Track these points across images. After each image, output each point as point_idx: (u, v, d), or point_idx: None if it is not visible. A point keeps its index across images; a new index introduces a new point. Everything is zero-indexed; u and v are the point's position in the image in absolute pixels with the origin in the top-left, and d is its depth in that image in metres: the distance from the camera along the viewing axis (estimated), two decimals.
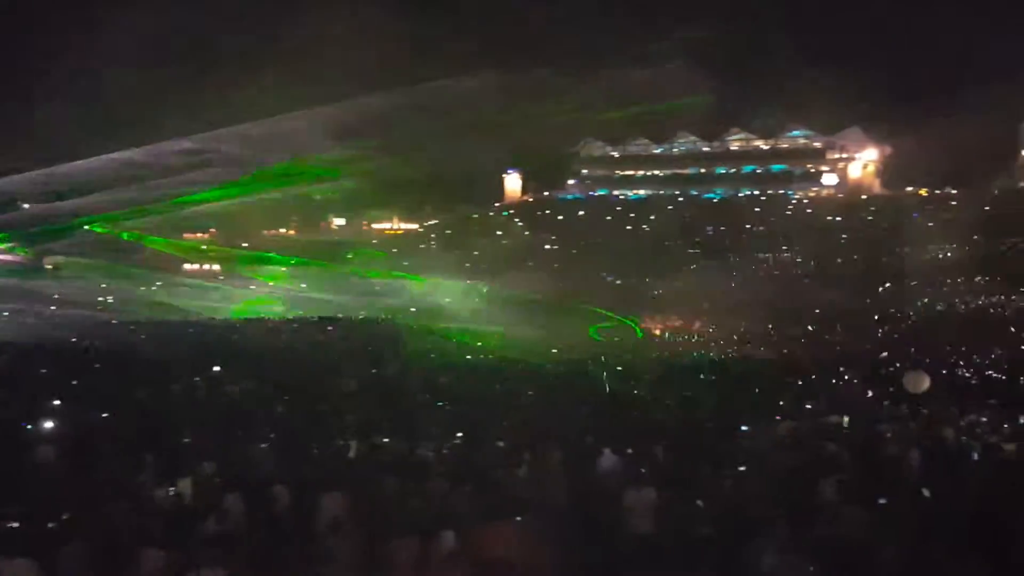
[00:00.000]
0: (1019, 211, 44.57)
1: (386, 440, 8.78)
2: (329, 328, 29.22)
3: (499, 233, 67.40)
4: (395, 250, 63.42)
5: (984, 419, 12.32)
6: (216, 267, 57.36)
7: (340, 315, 34.63)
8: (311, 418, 10.33)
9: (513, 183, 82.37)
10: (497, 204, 79.67)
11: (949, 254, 43.90)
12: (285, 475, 6.89)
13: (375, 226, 75.48)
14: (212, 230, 66.16)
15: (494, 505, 6.50)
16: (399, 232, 75.21)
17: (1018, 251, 39.68)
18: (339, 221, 76.28)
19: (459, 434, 8.96)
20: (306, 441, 8.62)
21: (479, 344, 28.88)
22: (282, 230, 70.43)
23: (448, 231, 68.42)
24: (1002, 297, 35.90)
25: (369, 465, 7.77)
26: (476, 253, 60.30)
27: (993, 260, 39.61)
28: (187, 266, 56.30)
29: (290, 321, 33.31)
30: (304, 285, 48.65)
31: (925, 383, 12.85)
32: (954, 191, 54.37)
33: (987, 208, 46.32)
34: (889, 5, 78.56)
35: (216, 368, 14.93)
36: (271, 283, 50.32)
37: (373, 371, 17.14)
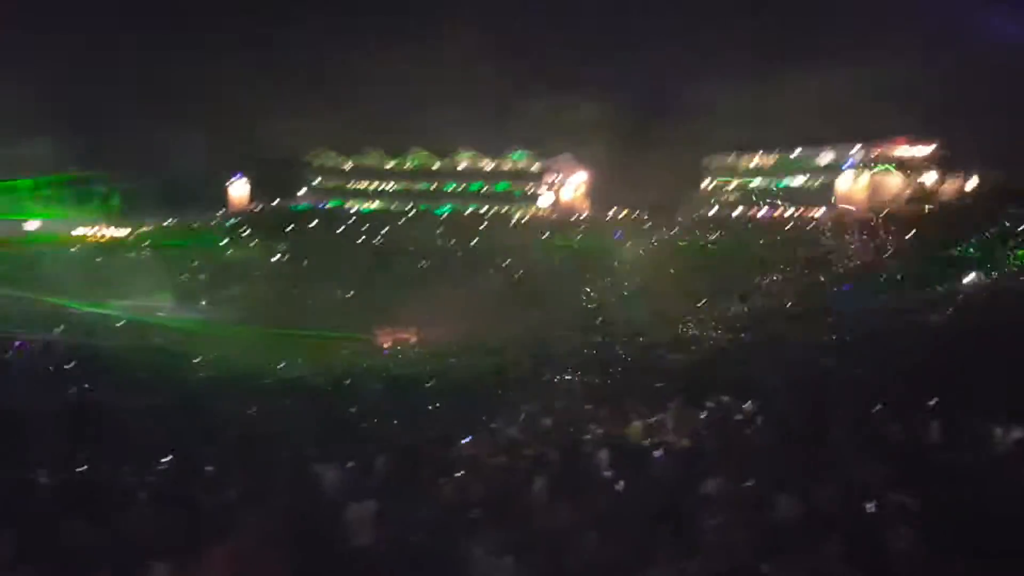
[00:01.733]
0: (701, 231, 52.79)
1: (84, 467, 8.09)
2: None
3: (223, 243, 63.96)
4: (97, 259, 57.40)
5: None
6: None
7: None
8: None
9: (239, 190, 78.60)
10: (221, 212, 75.44)
11: (649, 269, 48.98)
12: None
13: (77, 231, 67.45)
14: None
15: (204, 529, 6.26)
16: (103, 239, 67.77)
17: (696, 267, 45.37)
18: (31, 225, 66.66)
19: (166, 458, 8.48)
20: None
21: (194, 361, 27.19)
22: None
23: (161, 238, 63.15)
24: (688, 305, 40.58)
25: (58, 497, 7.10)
26: (195, 263, 56.81)
27: (678, 273, 45.18)
28: None
29: None
30: None
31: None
32: (649, 214, 61.03)
33: (675, 230, 53.09)
34: (597, 48, 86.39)
35: None
36: None
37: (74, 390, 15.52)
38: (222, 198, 76.75)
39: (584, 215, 69.16)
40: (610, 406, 15.09)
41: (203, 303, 49.65)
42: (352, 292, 51.15)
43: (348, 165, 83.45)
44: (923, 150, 56.62)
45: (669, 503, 8.83)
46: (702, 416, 14.25)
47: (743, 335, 29.31)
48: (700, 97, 70.66)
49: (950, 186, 54.89)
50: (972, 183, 53.90)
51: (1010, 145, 49.63)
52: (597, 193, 71.43)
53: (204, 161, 64.75)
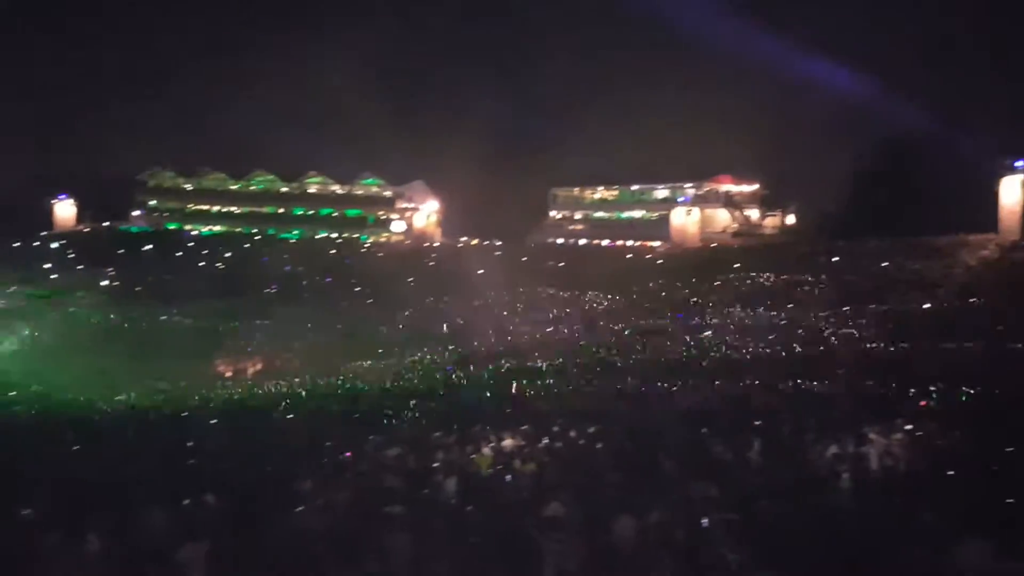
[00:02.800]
0: (547, 259, 54.51)
1: None
2: None
3: (46, 266, 59.10)
4: None
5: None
6: None
7: None
8: None
9: (65, 210, 73.24)
10: (45, 233, 69.89)
11: (500, 294, 49.69)
12: None
13: None
14: None
15: None
16: None
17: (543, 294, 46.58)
18: None
19: None
20: None
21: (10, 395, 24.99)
22: None
23: None
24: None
25: None
26: (12, 289, 52.31)
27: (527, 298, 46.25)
28: None
29: None
30: None
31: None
32: (499, 242, 62.12)
33: (524, 258, 54.48)
34: (450, 77, 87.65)
35: None
36: None
37: None
38: (46, 219, 71.37)
39: (437, 242, 69.47)
40: (458, 433, 15.21)
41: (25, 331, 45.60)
42: (191, 319, 48.61)
43: (188, 186, 79.96)
44: (747, 188, 61.30)
45: (513, 528, 9.04)
46: (545, 441, 14.65)
47: (588, 359, 30.34)
48: (548, 130, 73.26)
49: (771, 221, 59.71)
50: (791, 219, 58.94)
51: (823, 187, 55.04)
52: (449, 221, 72.02)
53: (24, 179, 59.75)
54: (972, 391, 15.79)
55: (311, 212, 75.61)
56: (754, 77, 69.97)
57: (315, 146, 71.10)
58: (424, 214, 73.30)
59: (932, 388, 16.31)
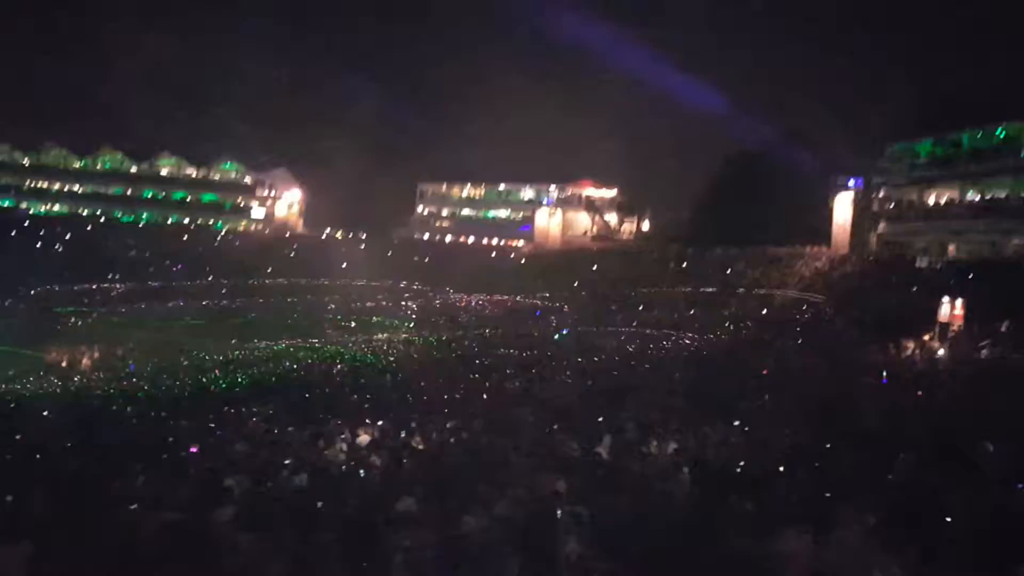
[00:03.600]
0: (411, 255, 54.40)
1: None
2: None
3: None
4: None
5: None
6: None
7: None
8: None
9: None
10: None
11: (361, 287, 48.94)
12: None
13: None
14: None
15: None
16: None
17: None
18: None
19: None
20: None
21: None
22: None
23: None
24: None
25: None
26: None
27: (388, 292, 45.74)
28: None
29: None
30: None
31: None
32: (364, 235, 61.24)
33: (390, 252, 53.99)
34: (319, 65, 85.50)
35: None
36: None
37: None
38: None
39: (298, 232, 67.57)
40: (311, 427, 14.91)
41: None
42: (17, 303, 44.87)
43: (26, 161, 73.95)
44: (608, 193, 63.48)
45: (367, 523, 8.99)
46: (403, 435, 14.62)
47: (453, 354, 30.46)
48: (419, 125, 73.00)
49: (628, 227, 62.12)
50: (646, 225, 61.57)
51: (676, 196, 58.29)
52: (313, 211, 70.25)
53: None
54: (797, 392, 17.10)
55: (162, 195, 71.65)
56: (618, 89, 72.75)
57: (170, 124, 67.60)
58: (286, 203, 71.15)
59: (760, 388, 17.56)
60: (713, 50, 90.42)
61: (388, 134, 66.72)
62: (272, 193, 70.79)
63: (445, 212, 70.95)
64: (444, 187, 71.03)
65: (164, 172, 73.12)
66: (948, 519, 9.54)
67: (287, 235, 65.65)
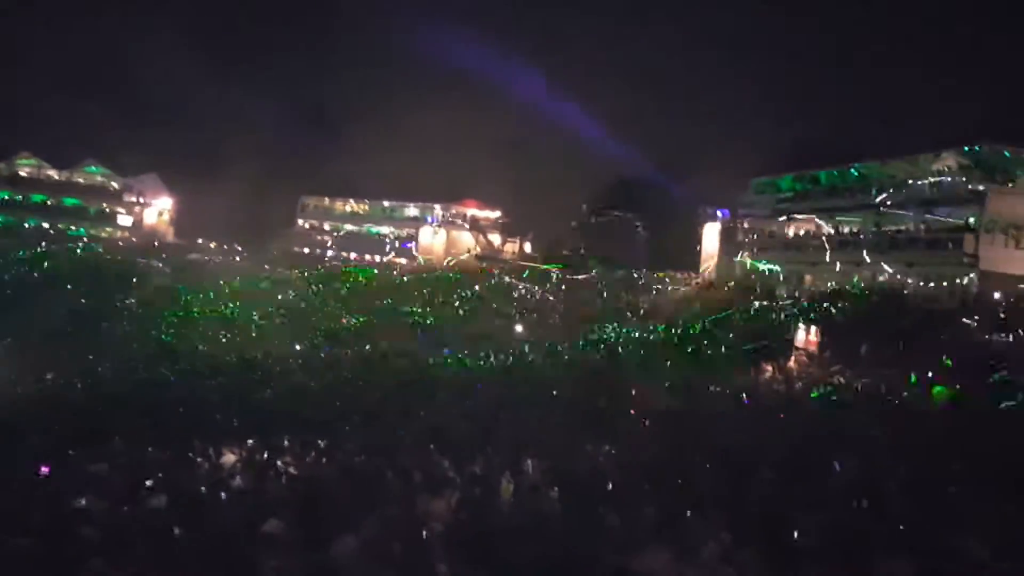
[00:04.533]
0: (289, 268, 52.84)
1: None
2: None
3: None
4: None
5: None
6: None
7: None
8: None
9: None
10: None
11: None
12: None
13: None
14: None
15: None
16: None
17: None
18: None
19: None
20: None
21: None
22: None
23: None
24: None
25: None
26: None
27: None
28: None
29: None
30: None
31: None
32: (240, 247, 59.17)
33: (267, 265, 52.19)
34: (193, 71, 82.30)
35: None
36: None
37: None
38: None
39: (167, 242, 64.47)
40: (173, 449, 14.34)
41: None
42: None
43: None
44: (491, 213, 64.21)
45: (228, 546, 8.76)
46: (270, 455, 14.29)
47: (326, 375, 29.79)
48: (302, 137, 71.73)
49: (511, 247, 63.00)
50: (528, 247, 62.66)
51: (558, 220, 59.94)
52: (186, 221, 67.33)
53: None
54: (664, 413, 17.86)
55: (19, 198, 66.80)
56: (503, 113, 73.99)
57: (31, 123, 63.33)
58: (156, 211, 67.90)
59: (629, 409, 18.23)
60: (596, 81, 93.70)
61: (269, 144, 65.00)
62: (141, 200, 67.43)
63: (327, 226, 69.70)
64: (327, 201, 69.81)
65: (23, 173, 68.26)
66: (796, 535, 10.26)
67: (155, 244, 62.52)
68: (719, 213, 45.82)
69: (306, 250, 65.60)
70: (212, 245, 61.10)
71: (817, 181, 41.37)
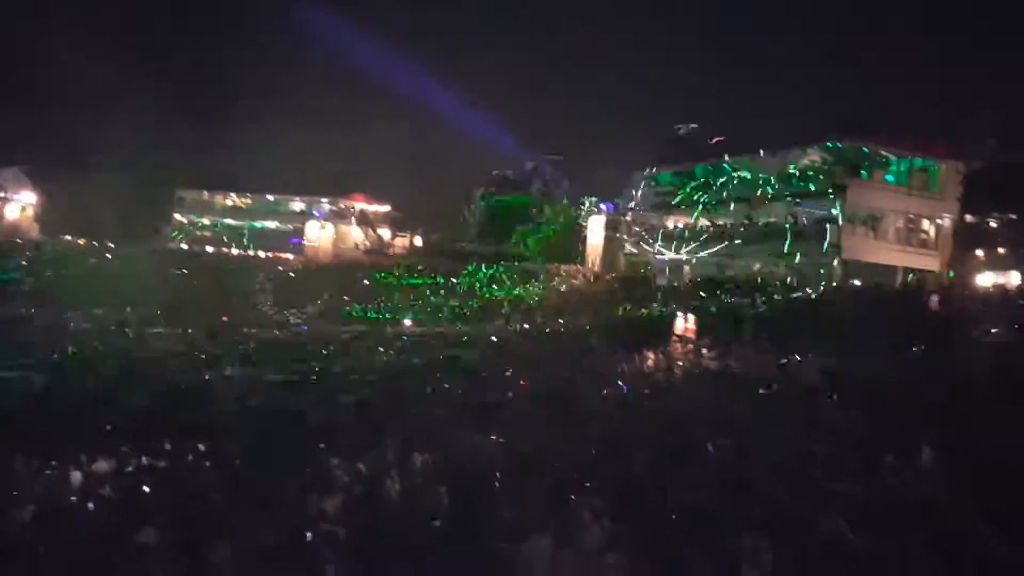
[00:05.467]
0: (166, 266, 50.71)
1: None
2: None
3: None
4: None
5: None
6: None
7: None
8: None
9: None
10: None
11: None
12: None
13: None
14: None
15: None
16: None
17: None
18: None
19: None
20: None
21: None
22: None
23: None
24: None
25: None
26: None
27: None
28: None
29: None
30: None
31: None
32: (111, 243, 56.21)
33: (139, 264, 49.82)
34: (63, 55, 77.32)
35: None
36: None
37: None
38: None
39: (31, 238, 60.41)
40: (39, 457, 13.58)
41: None
42: None
43: None
44: (381, 208, 63.49)
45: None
46: (147, 460, 13.74)
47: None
48: (179, 129, 68.74)
49: (401, 242, 62.53)
50: (418, 241, 62.42)
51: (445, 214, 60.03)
52: (53, 216, 63.14)
53: None
54: (549, 400, 18.28)
55: None
56: (392, 107, 73.34)
57: None
58: (18, 206, 63.50)
59: (516, 398, 18.59)
60: (482, 77, 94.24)
61: (145, 137, 61.69)
62: (1, 195, 62.97)
63: (207, 221, 67.12)
64: (206, 195, 67.19)
65: None
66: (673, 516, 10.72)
67: (17, 241, 58.51)
68: (603, 206, 47.02)
69: (184, 246, 63.08)
70: (81, 242, 57.75)
71: (694, 175, 43.08)
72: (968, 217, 32.97)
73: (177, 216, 66.47)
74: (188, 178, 65.31)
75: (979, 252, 31.55)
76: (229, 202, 67.35)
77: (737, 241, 38.79)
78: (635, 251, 44.52)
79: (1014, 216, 29.87)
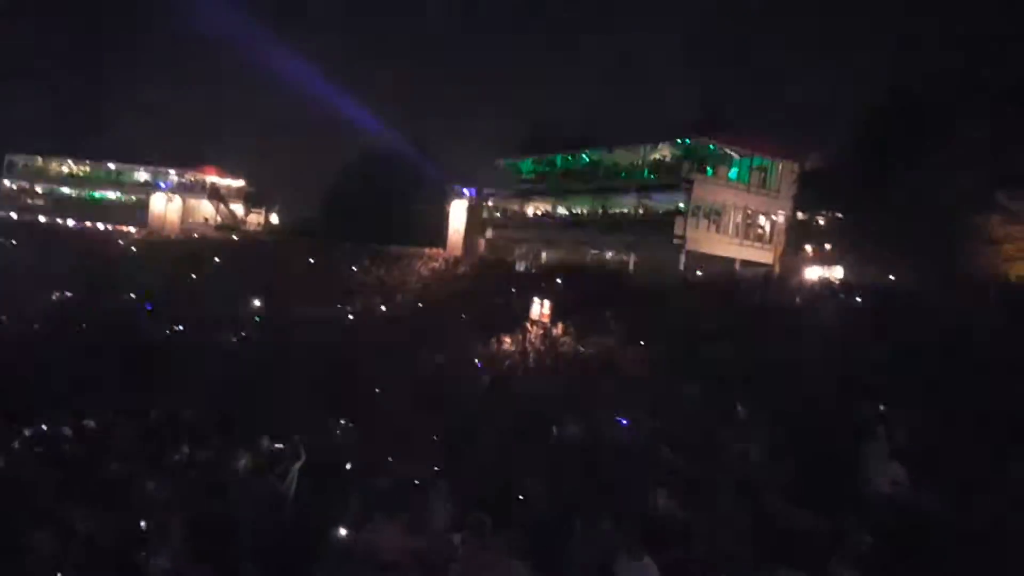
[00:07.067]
0: None
1: None
2: None
3: None
4: None
5: None
6: None
7: None
8: None
9: None
10: None
11: None
12: None
13: None
14: None
15: None
16: None
17: None
18: None
19: None
20: None
21: None
22: None
23: None
24: None
25: None
26: None
27: None
28: None
29: None
30: None
31: None
32: None
33: None
34: None
35: None
36: None
37: None
38: None
39: None
40: None
41: None
42: None
43: None
44: (234, 182, 60.93)
45: None
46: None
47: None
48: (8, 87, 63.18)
49: (255, 218, 60.36)
50: (274, 218, 60.49)
51: (305, 190, 58.57)
52: None
53: None
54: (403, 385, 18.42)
55: None
56: (248, 79, 70.31)
57: None
58: None
59: (373, 384, 18.59)
60: (348, 55, 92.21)
61: None
62: None
63: (40, 189, 62.17)
64: (39, 160, 62.16)
65: None
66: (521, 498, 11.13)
67: None
68: (466, 191, 47.26)
69: (13, 215, 58.28)
70: None
71: (554, 164, 44.09)
72: (800, 214, 35.49)
73: (6, 182, 61.34)
74: (20, 140, 60.33)
75: (808, 247, 34.05)
76: (65, 169, 62.68)
77: (592, 230, 40.10)
78: (495, 236, 45.12)
79: (839, 215, 32.36)
